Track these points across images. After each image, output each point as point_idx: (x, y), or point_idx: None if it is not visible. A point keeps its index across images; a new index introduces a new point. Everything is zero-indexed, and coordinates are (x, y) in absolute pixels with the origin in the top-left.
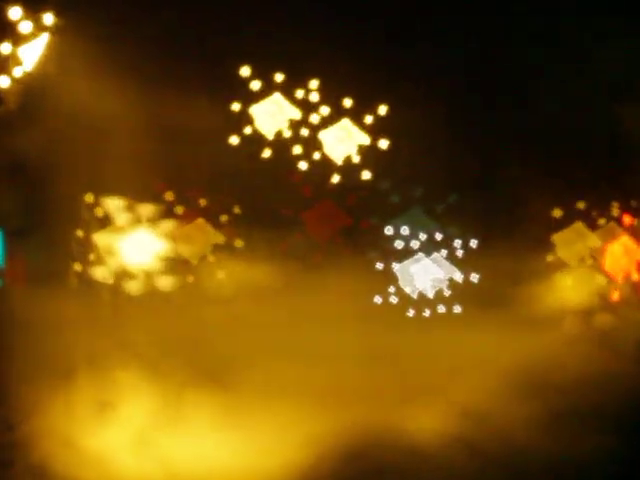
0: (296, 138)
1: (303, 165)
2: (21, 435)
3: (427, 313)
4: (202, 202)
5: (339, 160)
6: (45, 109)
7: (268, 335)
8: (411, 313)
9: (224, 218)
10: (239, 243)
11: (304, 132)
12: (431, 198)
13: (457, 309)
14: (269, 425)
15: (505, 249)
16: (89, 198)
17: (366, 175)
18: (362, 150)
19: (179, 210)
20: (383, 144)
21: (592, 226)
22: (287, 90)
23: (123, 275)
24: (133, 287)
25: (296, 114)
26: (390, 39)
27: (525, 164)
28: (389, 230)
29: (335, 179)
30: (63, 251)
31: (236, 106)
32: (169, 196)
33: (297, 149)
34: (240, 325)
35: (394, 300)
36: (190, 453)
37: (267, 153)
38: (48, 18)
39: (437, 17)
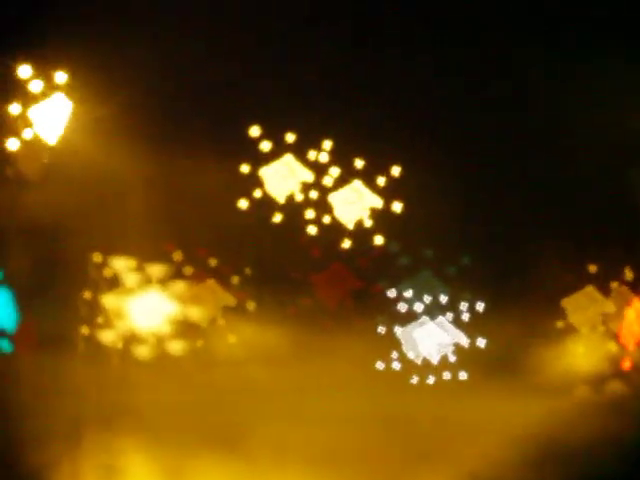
0: (307, 200)
1: (314, 228)
2: None
3: (431, 380)
4: (212, 262)
5: (350, 223)
6: (54, 169)
7: (277, 399)
8: (414, 380)
9: (234, 280)
10: (250, 305)
11: (315, 194)
12: (442, 261)
13: (463, 375)
14: None
15: (514, 313)
16: (97, 258)
17: (378, 240)
18: (374, 213)
19: (188, 271)
20: (396, 207)
21: (604, 290)
22: (298, 151)
23: (132, 338)
24: (142, 351)
25: (308, 176)
26: (404, 100)
27: (537, 226)
28: (399, 294)
29: (346, 243)
30: (72, 313)
31: (246, 168)
32: (177, 256)
33: (308, 212)
34: (249, 389)
35: (400, 365)
36: None
37: (278, 217)
38: (60, 77)
39: (452, 75)
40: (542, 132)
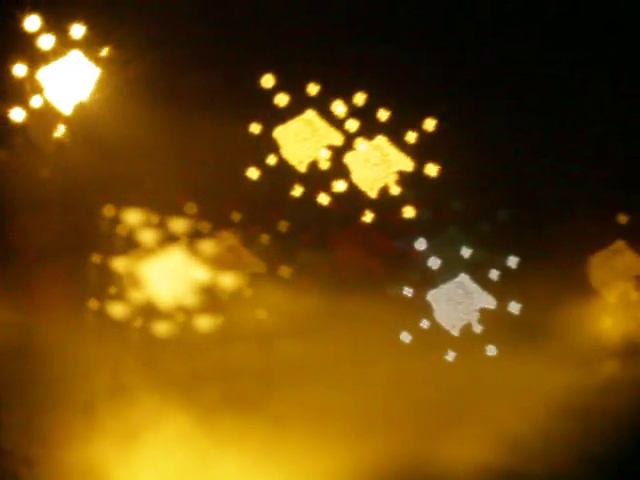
0: (332, 161)
1: (339, 186)
2: (40, 469)
3: (450, 356)
4: (234, 219)
5: (378, 185)
6: (68, 127)
7: (307, 365)
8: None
9: (257, 242)
10: (272, 268)
11: (341, 155)
12: (471, 219)
13: (491, 350)
14: (305, 455)
15: (543, 275)
16: (109, 212)
17: (409, 212)
18: (402, 175)
19: (206, 228)
20: (430, 169)
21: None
22: (320, 105)
23: (149, 308)
24: (160, 320)
25: (335, 138)
26: (438, 40)
27: (568, 185)
28: (429, 254)
29: (371, 210)
30: (88, 281)
31: (257, 127)
32: (190, 209)
33: (332, 174)
34: (272, 355)
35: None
36: None
37: (299, 182)
38: (77, 30)
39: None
40: (578, 90)
